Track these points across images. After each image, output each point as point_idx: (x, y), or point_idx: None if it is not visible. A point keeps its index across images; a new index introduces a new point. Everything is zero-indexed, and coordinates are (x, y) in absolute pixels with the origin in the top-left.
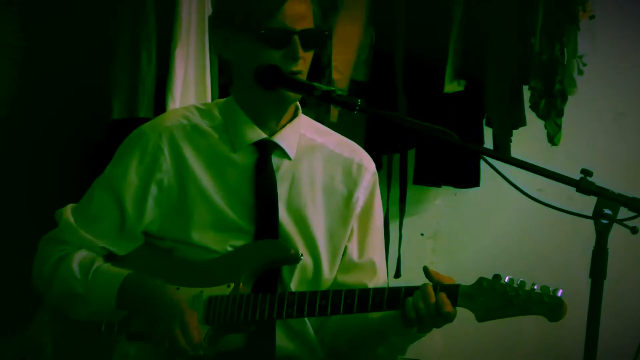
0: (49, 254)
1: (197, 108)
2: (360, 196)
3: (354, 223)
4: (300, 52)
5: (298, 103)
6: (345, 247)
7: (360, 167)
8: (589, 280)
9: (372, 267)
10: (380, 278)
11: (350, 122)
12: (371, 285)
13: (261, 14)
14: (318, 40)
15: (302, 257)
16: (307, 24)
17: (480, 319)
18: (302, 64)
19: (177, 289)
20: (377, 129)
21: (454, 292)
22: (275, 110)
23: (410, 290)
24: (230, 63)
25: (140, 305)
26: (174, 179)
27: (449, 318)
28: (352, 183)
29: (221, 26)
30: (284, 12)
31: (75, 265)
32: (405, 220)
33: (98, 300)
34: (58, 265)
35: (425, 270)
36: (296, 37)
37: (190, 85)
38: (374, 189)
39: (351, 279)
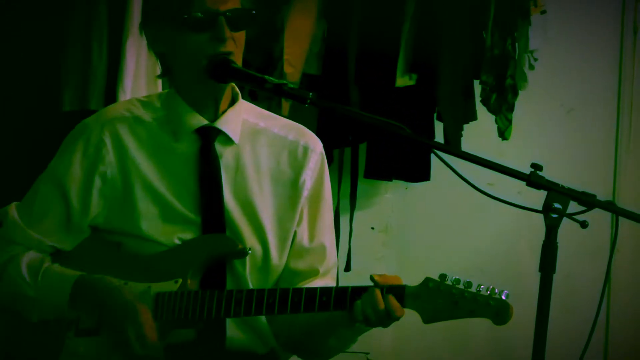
0: None
1: (139, 100)
2: (307, 178)
3: (303, 207)
4: (228, 33)
5: (237, 88)
6: (295, 232)
7: (306, 149)
8: (539, 274)
9: (322, 250)
10: (330, 261)
11: (302, 115)
12: (322, 269)
13: (182, 0)
14: (246, 19)
15: (249, 252)
16: (232, 4)
17: (427, 320)
18: (232, 45)
19: (125, 283)
20: (329, 122)
21: (400, 293)
22: (212, 95)
23: (358, 291)
24: (165, 56)
25: (94, 305)
26: (118, 171)
27: (396, 319)
28: (298, 166)
29: (150, 22)
30: None
31: (23, 268)
32: (355, 214)
33: (49, 303)
34: (5, 268)
35: (372, 279)
36: (221, 18)
37: (141, 77)
38: (322, 170)
39: (302, 265)
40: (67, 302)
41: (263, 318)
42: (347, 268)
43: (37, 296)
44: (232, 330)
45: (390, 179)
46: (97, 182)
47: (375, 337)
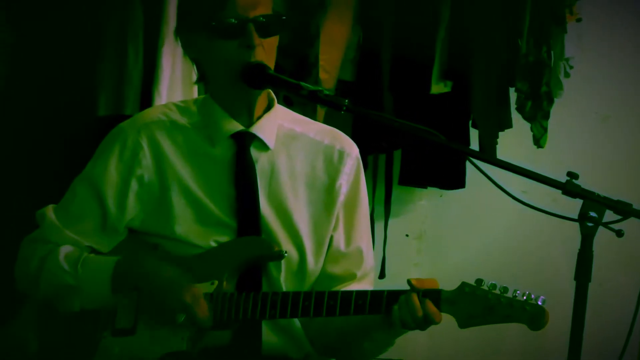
0: (33, 253)
1: (176, 105)
2: (343, 183)
3: (339, 212)
4: (257, 40)
5: (272, 94)
6: (332, 237)
7: (341, 153)
8: (574, 282)
9: (359, 255)
10: (367, 264)
11: (336, 121)
12: (360, 273)
13: (212, 7)
14: (276, 25)
15: (286, 254)
16: (263, 10)
17: (462, 325)
18: (262, 52)
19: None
20: (364, 129)
21: (436, 298)
22: (247, 101)
23: (394, 295)
24: (200, 62)
25: (140, 281)
26: (154, 174)
27: (436, 323)
28: (333, 170)
29: (183, 28)
30: (235, 1)
31: (62, 259)
32: (390, 221)
33: (92, 288)
34: (44, 261)
35: (409, 284)
36: (250, 25)
37: (177, 82)
38: (358, 174)
39: (339, 269)
40: (109, 285)
41: (298, 323)
42: (382, 275)
43: (78, 284)
44: (267, 334)
45: (424, 186)
46: (134, 185)
47: (410, 343)
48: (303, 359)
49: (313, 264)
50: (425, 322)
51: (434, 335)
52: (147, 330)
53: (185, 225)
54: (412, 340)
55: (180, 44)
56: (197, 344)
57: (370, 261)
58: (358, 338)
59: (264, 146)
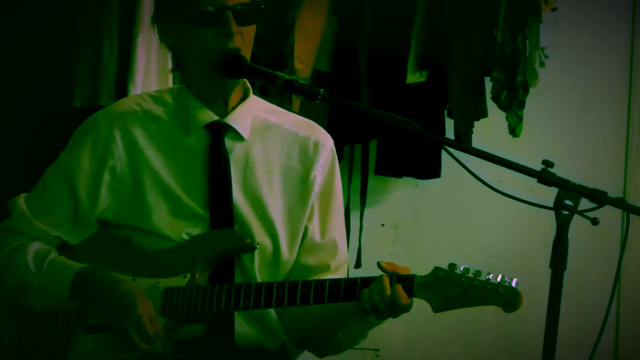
0: (3, 244)
1: (150, 95)
2: (318, 175)
3: (314, 203)
4: (235, 28)
5: (248, 84)
6: (306, 228)
7: (316, 145)
8: (549, 271)
9: (334, 247)
10: (342, 256)
11: (313, 112)
12: (334, 264)
13: None
14: (254, 14)
15: (257, 246)
16: None
17: (436, 309)
18: (240, 40)
19: (134, 279)
20: (339, 119)
21: (409, 282)
22: (222, 91)
23: (366, 281)
24: (177, 50)
25: (94, 296)
26: (127, 165)
27: (405, 309)
28: (308, 162)
29: (161, 15)
30: None
31: (29, 257)
32: (366, 211)
33: (51, 291)
34: (12, 256)
35: (379, 266)
36: (228, 13)
37: (152, 73)
38: (333, 166)
39: (314, 260)
40: (68, 290)
41: (273, 313)
42: (358, 264)
43: (40, 286)
44: (241, 325)
45: (400, 176)
46: (106, 176)
47: (385, 334)
48: (279, 349)
49: (287, 254)
50: (394, 306)
51: (410, 324)
52: None
53: (158, 217)
54: (388, 330)
55: (157, 31)
56: (170, 338)
57: (344, 253)
58: (333, 328)
59: (238, 136)
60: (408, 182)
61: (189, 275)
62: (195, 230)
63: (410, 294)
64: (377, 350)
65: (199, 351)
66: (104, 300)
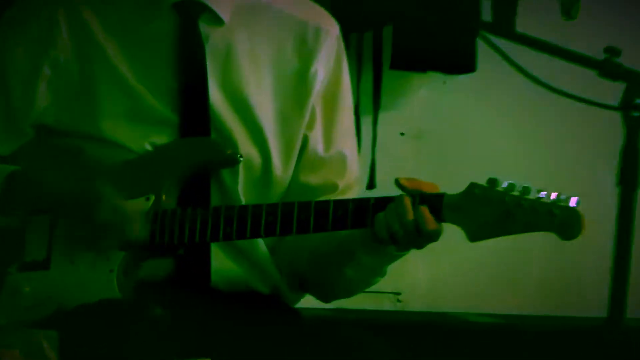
0: None
1: None
2: (320, 69)
3: (315, 105)
4: None
5: None
6: (306, 137)
7: (317, 31)
8: (617, 189)
9: (342, 161)
10: (352, 173)
11: None
12: (342, 184)
13: None
14: None
15: (242, 159)
16: None
17: (473, 237)
18: None
19: None
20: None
21: (437, 203)
22: None
23: (382, 202)
24: None
25: (43, 204)
26: (73, 56)
27: (432, 237)
28: (307, 53)
29: None
30: None
31: None
32: (380, 116)
33: None
34: None
35: (398, 183)
36: None
37: None
38: (339, 58)
39: (317, 179)
40: None
41: (262, 246)
42: (371, 185)
43: None
44: (221, 261)
45: (424, 70)
46: (46, 70)
47: (408, 274)
48: (270, 293)
49: (280, 169)
50: (418, 233)
51: (437, 264)
52: (65, 264)
53: (113, 121)
54: (411, 269)
55: None
56: (129, 279)
57: (355, 169)
58: (339, 263)
59: (216, 19)
60: (434, 78)
61: (152, 197)
62: (162, 139)
63: (439, 217)
64: (399, 294)
65: (165, 294)
66: (61, 201)
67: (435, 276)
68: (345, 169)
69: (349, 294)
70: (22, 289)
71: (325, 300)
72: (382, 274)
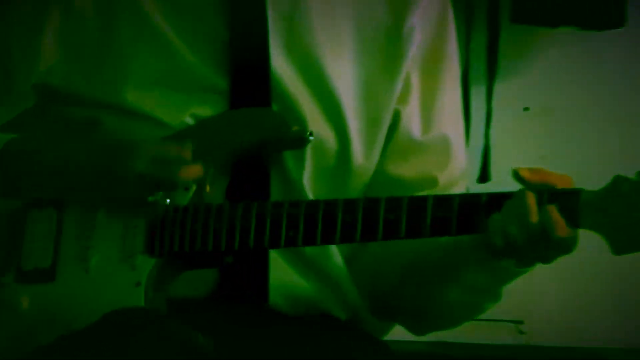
0: None
1: None
2: (418, 24)
3: (410, 72)
4: None
5: None
6: (398, 114)
7: None
8: None
9: (444, 147)
10: (457, 163)
11: None
12: (443, 177)
13: None
14: None
15: (311, 138)
16: None
17: (619, 249)
18: None
19: None
20: None
21: (571, 202)
22: None
23: (498, 199)
24: None
25: (55, 176)
26: (92, 2)
27: (564, 247)
28: (401, 3)
29: None
30: None
31: None
32: (497, 87)
33: None
34: None
35: (516, 175)
36: None
37: None
38: (445, 11)
39: (410, 170)
40: None
41: (337, 258)
42: (484, 177)
43: None
44: (284, 273)
45: (554, 25)
46: (55, 16)
47: (534, 298)
48: (348, 318)
49: (362, 156)
50: (544, 241)
51: (572, 280)
52: (76, 274)
53: (142, 87)
54: (537, 290)
55: None
56: (161, 292)
57: (462, 158)
58: (439, 282)
59: None
60: (567, 35)
61: (193, 186)
62: (206, 111)
63: (574, 221)
64: (521, 322)
65: (208, 316)
66: (84, 160)
67: (568, 300)
68: (448, 158)
69: (451, 323)
70: (19, 304)
71: (419, 332)
72: (496, 297)
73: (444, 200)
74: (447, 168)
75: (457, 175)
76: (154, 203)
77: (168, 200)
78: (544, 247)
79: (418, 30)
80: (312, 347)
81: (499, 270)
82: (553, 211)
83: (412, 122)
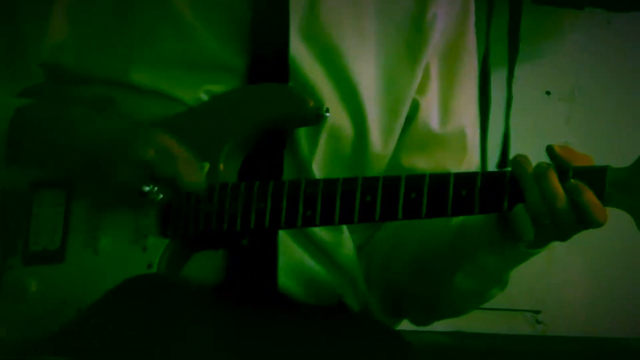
0: None
1: None
2: (440, 13)
3: (430, 62)
4: None
5: None
6: (417, 104)
7: None
8: None
9: (461, 142)
10: (472, 159)
11: None
12: (460, 169)
13: None
14: None
15: (328, 114)
16: None
17: None
18: None
19: None
20: None
21: (598, 178)
22: None
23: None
24: None
25: (65, 150)
26: None
27: (590, 221)
28: None
29: None
30: None
31: None
32: (518, 70)
33: None
34: None
35: (550, 151)
36: None
37: None
38: (466, 5)
39: (425, 162)
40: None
41: (349, 243)
42: (503, 162)
43: None
44: (295, 257)
45: (580, 7)
46: None
47: (552, 287)
48: (360, 310)
49: (379, 144)
50: (571, 216)
51: (590, 269)
52: (86, 255)
53: (157, 65)
54: (553, 282)
55: None
56: (173, 273)
57: (476, 153)
58: (452, 267)
59: None
60: (593, 16)
61: (206, 165)
62: (220, 88)
63: (600, 197)
64: (538, 312)
65: (219, 297)
66: (91, 137)
67: (585, 290)
68: (464, 153)
69: (455, 312)
70: (28, 286)
71: (424, 322)
72: (503, 283)
73: (467, 178)
74: (462, 163)
75: (472, 166)
76: (146, 194)
77: (161, 196)
78: (570, 222)
79: (441, 19)
80: (320, 339)
81: (509, 250)
82: (586, 190)
83: (430, 113)
